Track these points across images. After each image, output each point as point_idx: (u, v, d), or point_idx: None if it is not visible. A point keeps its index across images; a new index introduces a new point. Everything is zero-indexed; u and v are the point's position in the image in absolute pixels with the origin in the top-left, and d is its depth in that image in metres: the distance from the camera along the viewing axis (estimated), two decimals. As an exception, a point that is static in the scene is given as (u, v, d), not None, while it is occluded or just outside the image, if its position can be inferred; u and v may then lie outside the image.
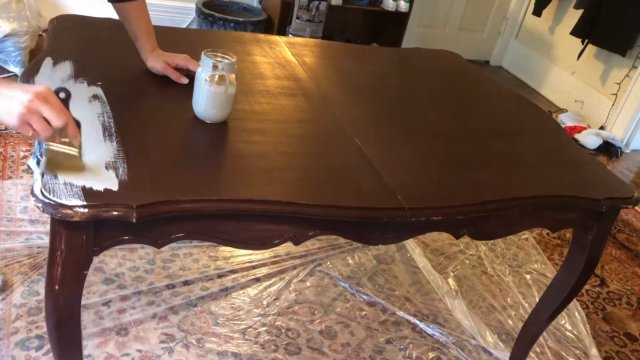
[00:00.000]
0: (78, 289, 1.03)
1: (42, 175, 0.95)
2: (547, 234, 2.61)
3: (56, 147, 1.00)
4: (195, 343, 1.68)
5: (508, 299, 2.14)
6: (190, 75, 1.40)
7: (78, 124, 1.00)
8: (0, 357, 1.52)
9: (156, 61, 1.41)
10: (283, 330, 1.80)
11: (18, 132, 2.45)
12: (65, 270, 0.99)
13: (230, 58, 1.24)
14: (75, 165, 1.00)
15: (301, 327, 1.83)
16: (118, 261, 1.91)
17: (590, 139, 3.65)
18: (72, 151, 1.01)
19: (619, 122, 3.82)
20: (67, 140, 0.99)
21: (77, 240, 0.97)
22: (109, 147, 1.08)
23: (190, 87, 1.27)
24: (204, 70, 1.23)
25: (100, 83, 1.30)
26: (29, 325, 1.62)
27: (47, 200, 0.91)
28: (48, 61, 1.35)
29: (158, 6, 3.78)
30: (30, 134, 0.94)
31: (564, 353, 1.94)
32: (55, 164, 0.98)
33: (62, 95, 0.98)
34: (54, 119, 0.94)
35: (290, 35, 3.62)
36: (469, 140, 1.49)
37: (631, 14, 3.67)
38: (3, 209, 2.03)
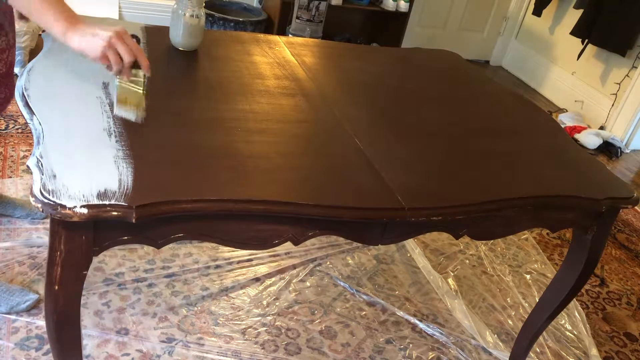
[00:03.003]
0: (78, 289, 1.03)
1: (112, 109, 1.19)
2: (547, 234, 2.61)
3: (124, 84, 1.19)
4: (195, 343, 1.68)
5: (508, 299, 2.14)
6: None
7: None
8: (0, 357, 1.52)
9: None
10: (283, 330, 1.80)
11: (18, 132, 2.46)
12: (65, 271, 0.99)
13: None
14: (140, 103, 1.20)
15: (301, 327, 1.83)
16: (118, 261, 1.91)
17: (590, 139, 3.65)
18: (137, 88, 1.20)
19: (619, 122, 3.82)
20: (134, 79, 1.19)
21: (77, 241, 0.97)
22: (108, 147, 1.08)
23: (191, 88, 1.27)
24: (179, 7, 1.53)
25: (100, 83, 1.30)
26: (29, 325, 1.62)
27: (46, 201, 0.91)
28: (47, 61, 1.35)
29: (158, 6, 3.78)
30: (107, 66, 1.17)
31: (564, 353, 1.94)
32: (124, 99, 1.19)
33: (135, 38, 1.21)
34: (127, 54, 1.15)
35: (290, 35, 3.62)
36: (468, 140, 1.49)
37: (631, 14, 3.67)
38: (3, 209, 2.03)
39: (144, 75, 1.19)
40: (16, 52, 2.92)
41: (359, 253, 2.22)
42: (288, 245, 2.12)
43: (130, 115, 1.18)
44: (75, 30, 1.15)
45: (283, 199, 1.05)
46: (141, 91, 1.19)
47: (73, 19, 1.17)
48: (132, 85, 1.19)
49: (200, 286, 1.89)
